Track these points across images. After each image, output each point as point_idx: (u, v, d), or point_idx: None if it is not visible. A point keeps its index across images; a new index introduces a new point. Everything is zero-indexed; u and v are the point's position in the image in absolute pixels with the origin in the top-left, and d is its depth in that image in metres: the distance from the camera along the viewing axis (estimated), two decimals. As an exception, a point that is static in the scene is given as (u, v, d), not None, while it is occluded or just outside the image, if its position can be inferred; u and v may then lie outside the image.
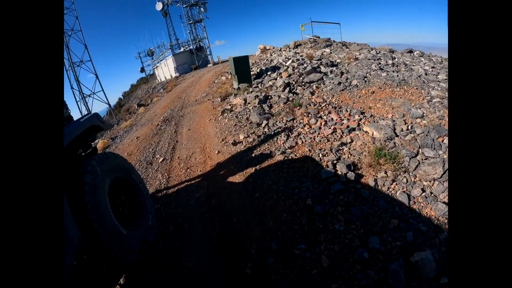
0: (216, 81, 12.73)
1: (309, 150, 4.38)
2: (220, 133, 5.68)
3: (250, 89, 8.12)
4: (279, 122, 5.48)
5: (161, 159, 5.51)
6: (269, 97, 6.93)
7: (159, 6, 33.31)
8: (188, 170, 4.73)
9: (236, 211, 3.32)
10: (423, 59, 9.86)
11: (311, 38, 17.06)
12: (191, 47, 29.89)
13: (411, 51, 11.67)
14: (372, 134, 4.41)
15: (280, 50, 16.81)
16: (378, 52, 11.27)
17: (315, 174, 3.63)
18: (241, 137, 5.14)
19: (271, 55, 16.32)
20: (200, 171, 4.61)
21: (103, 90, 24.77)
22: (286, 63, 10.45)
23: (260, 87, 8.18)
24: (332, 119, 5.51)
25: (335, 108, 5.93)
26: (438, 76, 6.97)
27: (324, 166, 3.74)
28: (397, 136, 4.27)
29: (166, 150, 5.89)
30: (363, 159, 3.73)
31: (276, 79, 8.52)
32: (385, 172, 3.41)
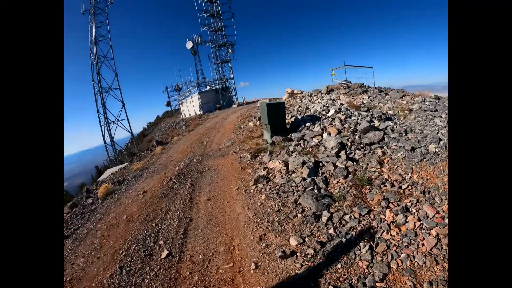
0: (242, 127, 11.24)
1: (413, 284, 2.32)
2: (256, 222, 3.73)
3: (290, 147, 6.33)
4: (348, 215, 3.49)
5: (165, 252, 3.59)
6: (321, 164, 5.06)
7: (189, 44, 34.72)
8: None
9: None
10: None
11: (343, 83, 15.76)
12: (217, 86, 29.90)
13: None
14: None
15: (311, 96, 15.50)
16: (424, 99, 9.39)
17: None
18: (293, 242, 3.15)
19: (301, 100, 15.00)
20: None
21: (127, 118, 24.38)
22: (327, 112, 8.79)
23: (302, 145, 6.39)
24: (426, 214, 3.48)
25: (424, 192, 3.91)
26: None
27: None
28: None
29: (175, 234, 3.99)
30: None
31: (321, 134, 6.76)
32: None
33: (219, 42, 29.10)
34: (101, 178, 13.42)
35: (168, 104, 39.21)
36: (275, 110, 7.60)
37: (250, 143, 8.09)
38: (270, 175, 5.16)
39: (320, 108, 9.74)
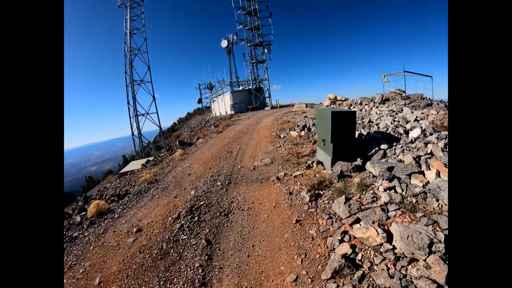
0: (282, 136, 8.66)
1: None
2: None
3: (378, 191, 3.58)
4: None
5: None
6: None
7: (224, 43, 32.95)
8: None
9: None
10: None
11: (396, 92, 12.41)
12: (250, 86, 27.65)
13: None
14: None
15: (361, 104, 12.44)
16: None
17: None
18: None
19: (349, 108, 12.06)
20: None
21: (157, 112, 23.22)
22: (405, 131, 5.84)
23: (399, 189, 3.60)
24: None
25: None
26: None
27: None
28: None
29: None
30: None
31: (422, 172, 3.89)
32: None
33: (255, 41, 26.84)
34: (124, 169, 12.24)
35: (200, 101, 38.01)
36: (343, 122, 4.89)
37: (297, 162, 5.49)
38: (361, 258, 2.49)
39: (391, 123, 6.81)
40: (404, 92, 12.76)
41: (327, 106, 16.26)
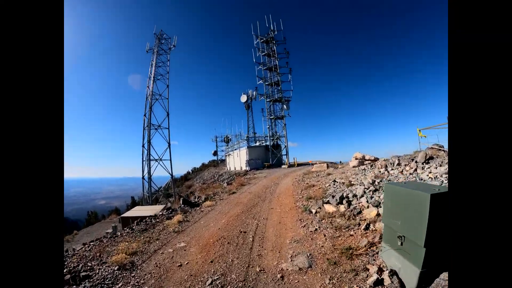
0: (314, 211, 6.36)
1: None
2: None
3: None
4: None
5: None
6: None
7: (243, 98, 33.53)
8: None
9: None
10: None
11: (437, 148, 10.04)
12: (267, 142, 26.46)
13: None
14: None
15: (399, 164, 10.10)
16: None
17: None
18: None
19: (386, 170, 9.72)
20: None
21: (170, 160, 22.05)
22: None
23: None
24: None
25: None
26: None
27: None
28: None
29: None
30: None
31: None
32: None
33: (275, 97, 26.85)
34: (127, 213, 11.94)
35: (215, 153, 37.19)
36: (445, 211, 2.71)
37: (351, 269, 3.09)
38: None
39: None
40: (442, 147, 10.42)
41: (353, 169, 14.01)
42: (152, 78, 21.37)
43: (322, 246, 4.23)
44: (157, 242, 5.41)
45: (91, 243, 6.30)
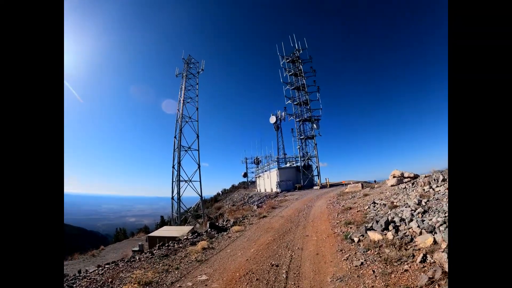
0: (356, 240, 5.45)
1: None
2: None
3: None
4: None
5: None
6: None
7: (272, 119, 33.36)
8: None
9: None
10: None
11: None
12: (298, 163, 25.50)
13: None
14: None
15: (444, 180, 8.54)
16: None
17: None
18: None
19: (431, 188, 8.26)
20: None
21: (200, 181, 22.25)
22: None
23: None
24: None
25: None
26: None
27: None
28: None
29: None
30: None
31: None
32: None
33: (304, 117, 26.20)
34: (154, 233, 12.17)
35: (245, 175, 36.98)
36: None
37: None
38: None
39: None
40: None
41: (392, 185, 12.45)
42: (182, 101, 22.57)
43: (373, 287, 3.42)
44: (176, 272, 4.99)
45: (106, 266, 6.15)
